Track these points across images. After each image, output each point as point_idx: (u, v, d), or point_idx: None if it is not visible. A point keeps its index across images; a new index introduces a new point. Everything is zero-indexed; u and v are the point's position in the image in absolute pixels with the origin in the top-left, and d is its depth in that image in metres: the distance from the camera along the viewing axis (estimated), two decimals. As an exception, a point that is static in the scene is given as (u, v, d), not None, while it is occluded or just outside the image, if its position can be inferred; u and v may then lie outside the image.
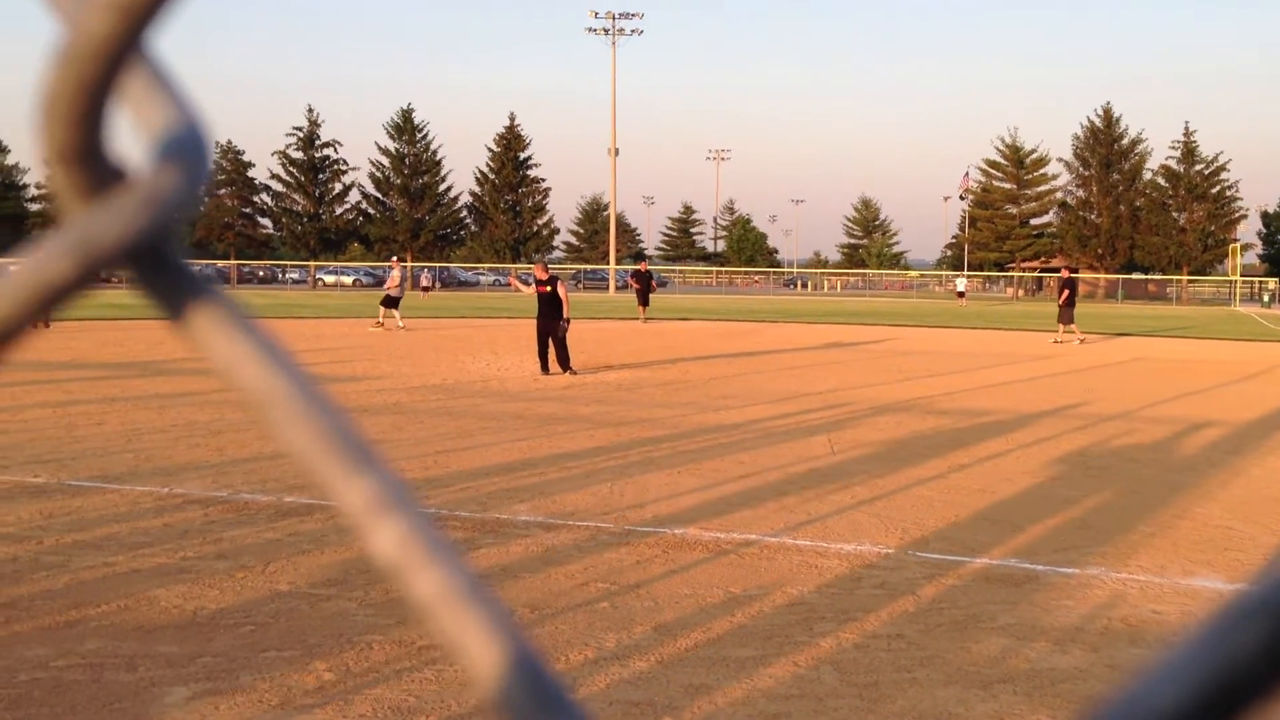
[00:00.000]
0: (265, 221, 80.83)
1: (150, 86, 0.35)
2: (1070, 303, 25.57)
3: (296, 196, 79.02)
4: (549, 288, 16.48)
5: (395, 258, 30.51)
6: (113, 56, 0.31)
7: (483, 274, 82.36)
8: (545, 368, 16.26)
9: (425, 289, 56.48)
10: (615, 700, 4.08)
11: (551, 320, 16.40)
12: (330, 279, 70.93)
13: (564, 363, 16.33)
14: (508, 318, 33.36)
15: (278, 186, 79.00)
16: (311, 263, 72.50)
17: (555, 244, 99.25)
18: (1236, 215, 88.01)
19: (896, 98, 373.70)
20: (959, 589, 5.54)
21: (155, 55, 0.35)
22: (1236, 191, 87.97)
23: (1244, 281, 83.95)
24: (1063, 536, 6.71)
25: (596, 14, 75.58)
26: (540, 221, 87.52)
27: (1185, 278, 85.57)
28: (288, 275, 74.13)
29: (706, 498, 7.68)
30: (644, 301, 32.93)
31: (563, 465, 8.83)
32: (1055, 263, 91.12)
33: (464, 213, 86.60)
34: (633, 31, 76.34)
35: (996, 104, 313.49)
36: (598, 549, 6.22)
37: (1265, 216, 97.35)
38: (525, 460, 9.00)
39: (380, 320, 26.83)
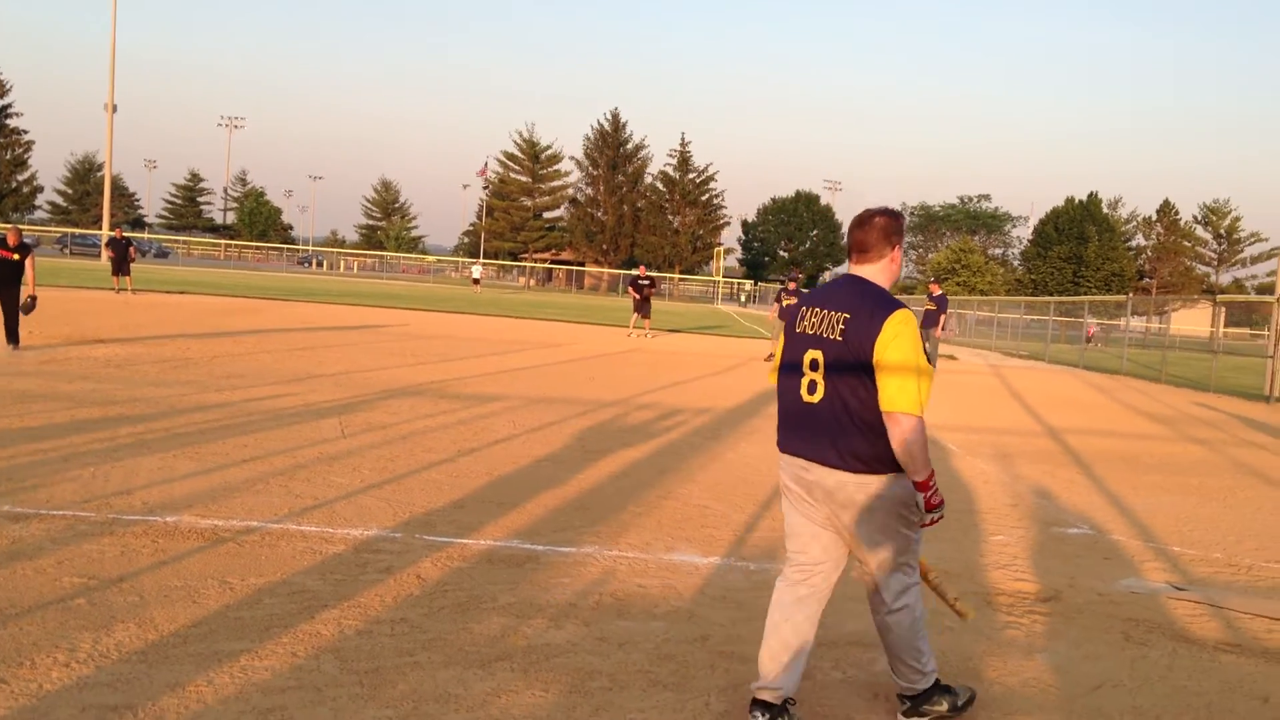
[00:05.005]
0: None
1: None
2: (647, 299, 29.10)
3: None
4: (17, 255, 14.58)
5: None
6: None
7: (-55, 231, 72.14)
8: (14, 340, 14.41)
9: None
10: (90, 705, 3.71)
11: (12, 289, 14.51)
12: None
13: (11, 334, 14.63)
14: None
15: None
16: None
17: (38, 203, 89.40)
18: (722, 222, 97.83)
19: (422, 82, 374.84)
20: (463, 571, 5.64)
21: None
22: (723, 200, 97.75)
23: (725, 282, 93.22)
24: (561, 517, 7.06)
25: (95, -49, 68.56)
26: (20, 178, 78.39)
27: (678, 276, 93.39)
28: None
29: (205, 483, 7.23)
30: (122, 271, 30.98)
31: (36, 448, 7.93)
32: (565, 255, 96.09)
33: (-79, 160, 75.50)
34: (138, -23, 70.09)
35: (518, 98, 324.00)
36: (75, 540, 5.64)
37: (745, 225, 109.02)
38: (-10, 442, 7.98)
39: None
